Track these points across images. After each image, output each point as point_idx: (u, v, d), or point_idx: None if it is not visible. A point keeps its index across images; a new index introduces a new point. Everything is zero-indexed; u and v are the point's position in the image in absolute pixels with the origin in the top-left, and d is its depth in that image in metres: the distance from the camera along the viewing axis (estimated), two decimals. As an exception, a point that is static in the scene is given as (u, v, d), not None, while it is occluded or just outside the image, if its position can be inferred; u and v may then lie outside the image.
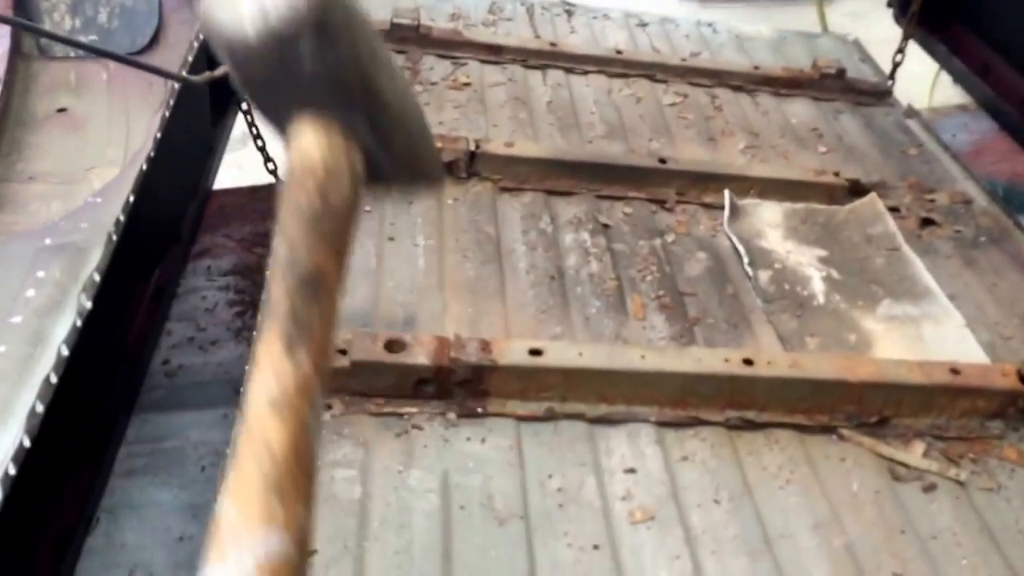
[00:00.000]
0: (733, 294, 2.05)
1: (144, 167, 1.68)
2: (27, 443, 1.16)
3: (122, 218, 1.52)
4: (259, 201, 2.76)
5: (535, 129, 2.55)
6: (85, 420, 1.85)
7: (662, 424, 1.66)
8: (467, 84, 2.72)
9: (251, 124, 3.07)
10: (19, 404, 1.20)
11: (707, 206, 2.33)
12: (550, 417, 1.65)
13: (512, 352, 1.67)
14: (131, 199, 1.57)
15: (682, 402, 1.68)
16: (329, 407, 1.61)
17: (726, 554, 1.46)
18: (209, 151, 2.90)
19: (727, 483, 1.58)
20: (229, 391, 1.55)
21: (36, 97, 2.26)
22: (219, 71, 1.88)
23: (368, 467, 1.52)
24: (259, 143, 3.07)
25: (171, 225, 2.36)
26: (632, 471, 1.57)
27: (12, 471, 1.12)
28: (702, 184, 2.36)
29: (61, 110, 2.26)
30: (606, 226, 2.19)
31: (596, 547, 1.44)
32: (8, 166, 2.11)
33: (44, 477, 1.73)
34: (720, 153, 2.59)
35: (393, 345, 1.64)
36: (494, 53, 2.88)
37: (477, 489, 1.51)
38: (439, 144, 2.27)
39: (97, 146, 2.20)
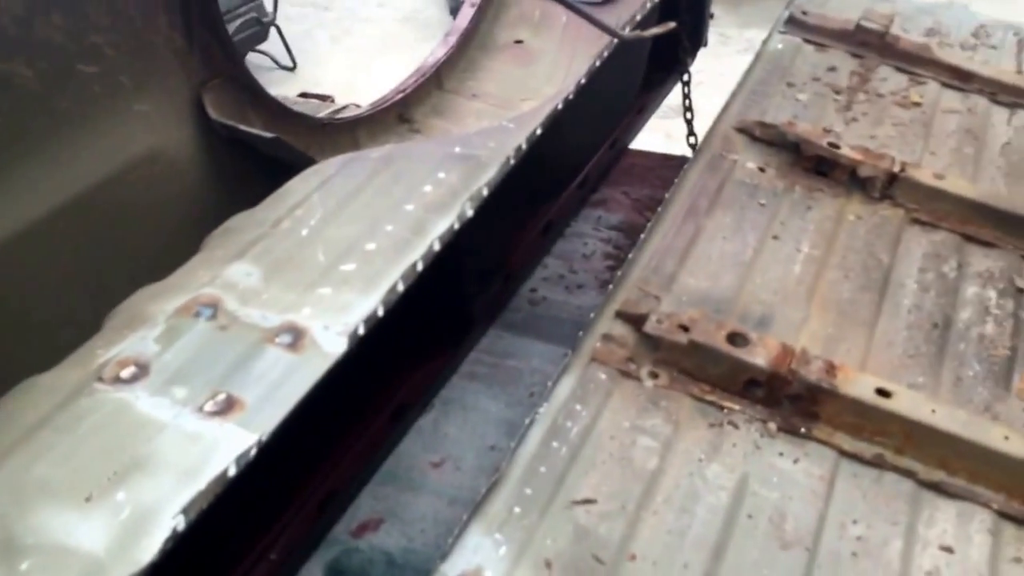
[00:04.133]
0: None
1: (559, 107, 1.78)
2: (380, 312, 1.31)
3: (524, 146, 1.63)
4: (667, 169, 2.81)
5: (977, 168, 2.29)
6: (450, 316, 2.05)
7: (1004, 516, 1.45)
8: (917, 104, 2.51)
9: (686, 96, 3.12)
10: (385, 279, 1.35)
11: None
12: (877, 464, 1.51)
13: (858, 384, 1.56)
14: (538, 131, 1.67)
15: (1040, 502, 1.46)
16: (655, 376, 1.62)
17: None
18: (638, 112, 3.00)
19: (1063, 609, 1.35)
20: (576, 333, 1.62)
21: (501, 27, 2.50)
22: (650, 32, 1.92)
23: (671, 445, 1.51)
24: (688, 116, 3.12)
25: (571, 168, 2.49)
26: (949, 550, 1.39)
27: (361, 331, 1.27)
28: None
29: (518, 42, 2.48)
30: (1021, 291, 1.93)
31: (878, 612, 1.31)
32: (460, 81, 2.37)
33: (397, 357, 1.94)
34: None
35: (736, 338, 1.61)
36: (961, 79, 2.62)
37: (771, 504, 1.44)
38: (860, 157, 2.14)
39: (538, 81, 2.38)
